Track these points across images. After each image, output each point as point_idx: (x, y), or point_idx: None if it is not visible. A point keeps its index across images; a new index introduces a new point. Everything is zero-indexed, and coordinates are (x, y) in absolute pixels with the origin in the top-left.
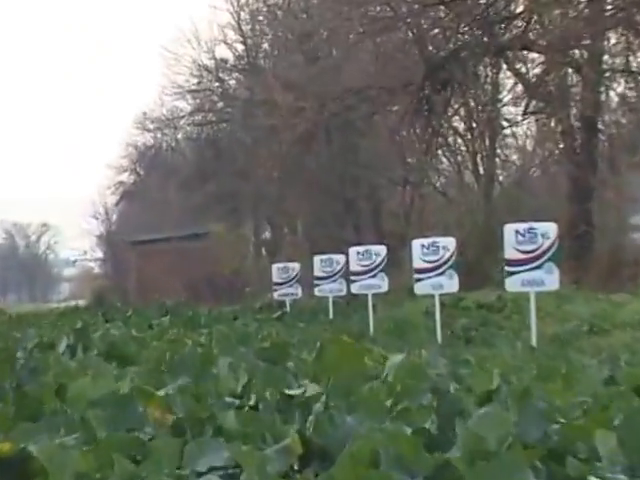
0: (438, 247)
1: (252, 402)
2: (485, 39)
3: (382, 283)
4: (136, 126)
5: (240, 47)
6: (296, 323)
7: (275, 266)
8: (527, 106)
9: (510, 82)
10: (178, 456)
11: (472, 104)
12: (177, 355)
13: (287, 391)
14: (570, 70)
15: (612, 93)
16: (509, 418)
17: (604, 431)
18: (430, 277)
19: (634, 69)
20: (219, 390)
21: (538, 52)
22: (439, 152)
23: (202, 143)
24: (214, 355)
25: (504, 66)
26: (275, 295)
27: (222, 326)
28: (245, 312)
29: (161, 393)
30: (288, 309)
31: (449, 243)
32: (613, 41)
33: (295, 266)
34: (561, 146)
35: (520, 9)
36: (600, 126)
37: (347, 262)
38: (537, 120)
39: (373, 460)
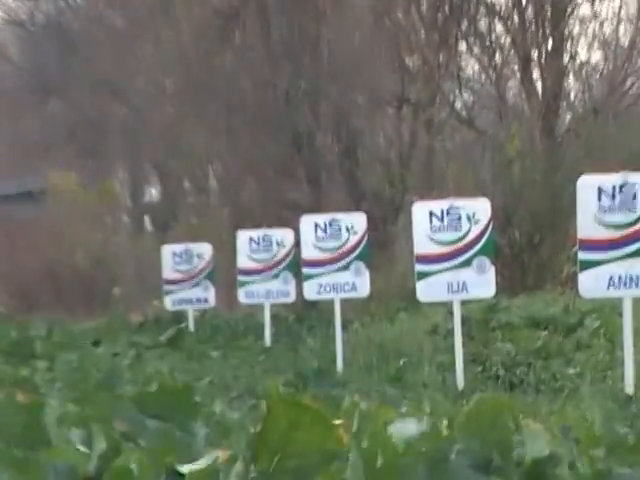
0: (459, 216)
1: None
2: None
3: (359, 280)
4: None
5: None
6: (206, 351)
7: (168, 249)
8: None
9: None
10: None
11: None
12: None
13: (185, 467)
14: None
15: None
16: None
17: None
18: (444, 269)
19: None
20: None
21: None
22: (461, 45)
23: (36, 29)
24: (49, 408)
25: None
26: (168, 301)
27: (72, 356)
28: (114, 331)
29: None
30: (191, 326)
31: (478, 209)
32: None
33: (204, 250)
34: None
35: None
36: None
37: (298, 243)
38: None
39: None
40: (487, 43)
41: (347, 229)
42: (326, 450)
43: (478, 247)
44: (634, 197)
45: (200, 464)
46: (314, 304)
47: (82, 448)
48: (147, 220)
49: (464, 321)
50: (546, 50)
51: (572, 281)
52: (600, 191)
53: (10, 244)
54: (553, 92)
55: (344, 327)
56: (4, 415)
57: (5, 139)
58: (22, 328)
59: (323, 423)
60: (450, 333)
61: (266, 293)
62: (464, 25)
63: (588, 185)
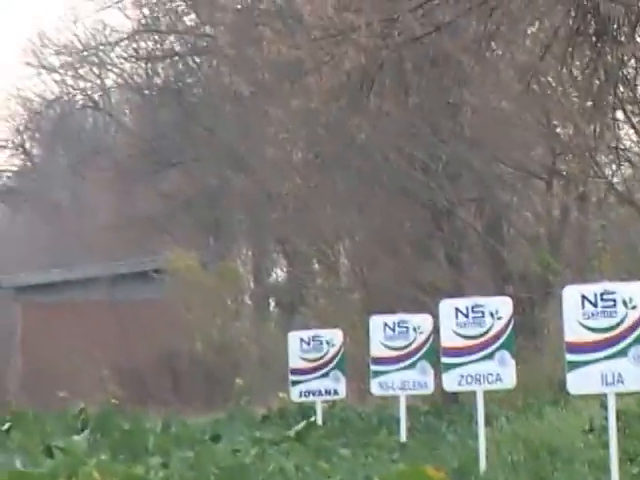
0: (615, 301)
1: None
2: None
3: (504, 370)
4: (26, 62)
5: None
6: (335, 448)
7: (295, 336)
8: None
9: None
10: None
11: None
12: None
13: None
14: None
15: None
16: None
17: None
18: (598, 359)
19: None
20: None
21: None
22: (618, 115)
23: (153, 98)
24: None
25: None
26: (294, 392)
27: (188, 452)
28: (235, 425)
29: None
30: (319, 420)
31: (636, 293)
32: None
33: (334, 336)
34: None
35: None
36: None
37: (436, 330)
38: None
39: None
40: None
41: (491, 314)
42: None
43: (635, 335)
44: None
45: None
46: (454, 396)
47: None
48: (272, 303)
49: (619, 416)
50: None
51: None
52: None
53: (123, 329)
54: None
55: (487, 422)
56: None
57: (118, 214)
58: (135, 421)
59: None
60: (604, 429)
61: (402, 384)
62: (621, 91)
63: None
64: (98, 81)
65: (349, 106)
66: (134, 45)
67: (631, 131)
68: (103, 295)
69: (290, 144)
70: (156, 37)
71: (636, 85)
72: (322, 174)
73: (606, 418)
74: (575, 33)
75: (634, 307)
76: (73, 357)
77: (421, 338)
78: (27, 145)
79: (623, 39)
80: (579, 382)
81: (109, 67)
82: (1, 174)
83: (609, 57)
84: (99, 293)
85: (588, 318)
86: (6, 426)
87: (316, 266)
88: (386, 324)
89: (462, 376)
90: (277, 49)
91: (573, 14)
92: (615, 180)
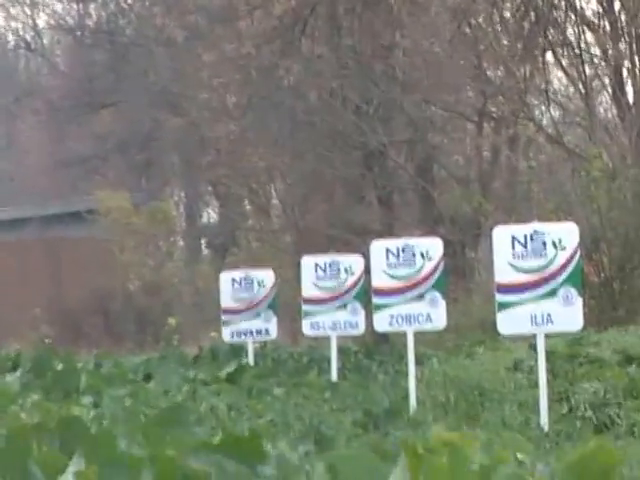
0: (544, 242)
1: None
2: None
3: (434, 311)
4: None
5: None
6: (267, 388)
7: (227, 276)
8: None
9: None
10: None
11: None
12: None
13: None
14: None
15: None
16: None
17: None
18: (528, 300)
19: None
20: None
21: None
22: (548, 57)
23: (85, 39)
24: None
25: None
26: (226, 333)
27: (120, 391)
28: (167, 365)
29: None
30: (251, 360)
31: (565, 234)
32: None
33: (266, 277)
34: None
35: None
36: None
37: (367, 271)
38: None
39: None
40: (576, 54)
41: (422, 255)
42: None
43: (564, 276)
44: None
45: None
46: (385, 337)
47: None
48: (203, 244)
49: (548, 356)
50: None
51: None
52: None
53: (55, 269)
54: None
55: (418, 362)
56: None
57: (51, 155)
58: (67, 361)
59: None
60: (533, 370)
61: (333, 324)
62: (551, 34)
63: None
64: (30, 22)
65: (282, 49)
66: None
67: (560, 74)
68: (35, 235)
69: (223, 88)
70: None
71: (566, 28)
72: (255, 117)
73: (535, 359)
74: None
75: (564, 248)
76: (5, 297)
77: (352, 279)
78: None
79: None
80: (509, 323)
81: (41, 7)
82: None
83: (539, 0)
84: (31, 233)
85: (518, 259)
86: None
87: (248, 208)
88: (317, 265)
89: (392, 317)
90: None
91: None
92: (544, 122)
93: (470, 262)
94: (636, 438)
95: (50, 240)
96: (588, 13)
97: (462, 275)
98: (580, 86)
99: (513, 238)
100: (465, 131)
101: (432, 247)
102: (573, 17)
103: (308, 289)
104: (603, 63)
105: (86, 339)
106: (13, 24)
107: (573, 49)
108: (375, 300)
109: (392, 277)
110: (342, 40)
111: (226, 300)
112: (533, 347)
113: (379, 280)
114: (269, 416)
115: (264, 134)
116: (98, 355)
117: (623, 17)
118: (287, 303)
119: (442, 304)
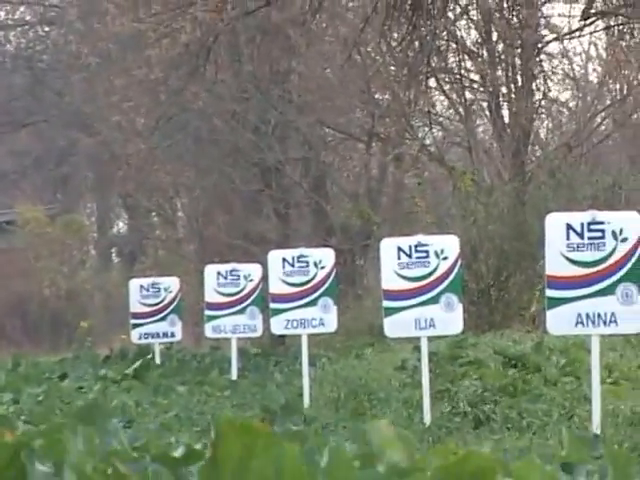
0: (427, 253)
1: None
2: None
3: (326, 316)
4: None
5: None
6: (172, 385)
7: (136, 283)
8: (590, 3)
9: None
10: None
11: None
12: None
13: None
14: None
15: None
16: None
17: None
18: (412, 305)
19: None
20: None
21: None
22: (431, 83)
23: (6, 64)
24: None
25: None
26: (134, 335)
27: (38, 389)
28: (80, 365)
29: None
30: (157, 360)
31: (447, 245)
32: None
33: (171, 284)
34: None
35: None
36: None
37: (266, 278)
38: (607, 29)
39: None
40: (457, 79)
41: (315, 264)
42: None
43: (446, 284)
44: (602, 236)
45: None
46: (281, 339)
47: None
48: (113, 254)
49: (431, 357)
50: (516, 87)
51: (539, 318)
52: (569, 228)
53: None
54: (522, 128)
55: (311, 362)
56: None
57: None
58: None
59: (278, 447)
60: (417, 369)
61: (233, 328)
62: (434, 61)
63: (557, 222)
64: None
65: (187, 75)
66: None
67: (442, 97)
68: None
69: (133, 110)
70: (8, 7)
71: (447, 56)
72: (162, 137)
73: (419, 360)
74: (392, 7)
75: (445, 258)
76: None
77: (251, 285)
78: None
79: (436, 13)
80: (395, 327)
81: None
82: None
83: (423, 30)
84: None
85: (403, 268)
86: None
87: (155, 219)
88: (219, 272)
89: (288, 320)
90: (121, 22)
91: None
92: (427, 141)
93: (359, 270)
94: (510, 432)
95: None
96: (468, 42)
97: (352, 282)
98: (460, 109)
99: (399, 249)
100: (355, 150)
101: (325, 256)
102: (454, 46)
103: (210, 295)
104: (482, 88)
105: (6, 341)
106: None
107: (454, 75)
108: (272, 305)
109: (288, 284)
110: (243, 66)
111: (135, 305)
112: (417, 349)
113: (276, 287)
114: (174, 411)
115: (171, 152)
116: (16, 356)
117: (500, 46)
118: (191, 308)
119: (333, 309)
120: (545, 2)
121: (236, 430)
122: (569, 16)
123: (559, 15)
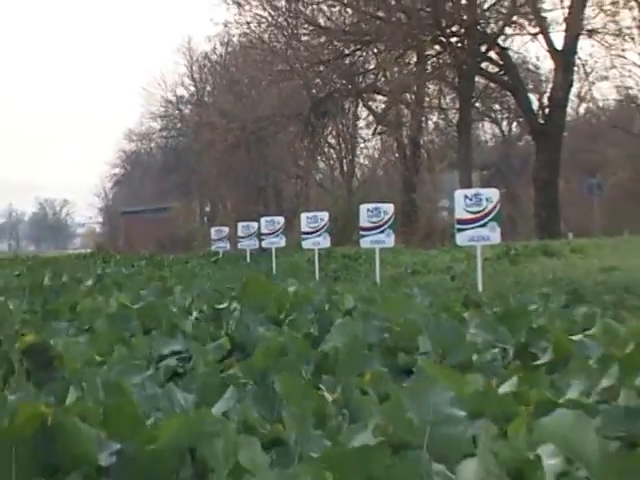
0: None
1: (196, 314)
2: (349, 86)
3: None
4: (124, 138)
5: (192, 88)
6: (225, 265)
7: (213, 229)
8: (375, 129)
9: (365, 113)
10: (149, 345)
11: (340, 127)
12: (152, 283)
13: (217, 306)
14: (403, 107)
15: (430, 122)
16: (358, 326)
17: (423, 335)
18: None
19: (444, 107)
20: (177, 305)
21: (383, 95)
22: (319, 158)
23: (167, 150)
24: (172, 284)
25: (361, 103)
26: (212, 247)
27: (179, 267)
28: (193, 258)
29: (137, 306)
30: (221, 256)
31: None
32: (431, 88)
33: (225, 229)
34: (397, 156)
35: (372, 66)
36: (422, 143)
37: (259, 227)
38: (381, 138)
39: (279, 352)
40: (328, 156)
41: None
42: (269, 298)
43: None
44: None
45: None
46: (265, 250)
47: None
48: (205, 219)
49: (319, 256)
50: (348, 160)
51: (358, 241)
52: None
53: (156, 228)
54: (350, 174)
55: (276, 257)
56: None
57: (153, 190)
58: (161, 257)
59: (267, 286)
60: (314, 260)
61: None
62: (319, 150)
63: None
64: None
65: (230, 154)
66: None
67: None
68: None
69: None
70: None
71: None
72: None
73: (315, 256)
74: None
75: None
76: None
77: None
78: None
79: None
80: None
81: None
82: None
83: None
84: None
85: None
86: (118, 258)
87: None
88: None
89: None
90: None
91: None
92: None
93: None
94: (349, 283)
95: None
96: None
97: None
98: None
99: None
100: None
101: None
102: None
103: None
104: None
105: (167, 251)
106: None
107: None
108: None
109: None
110: None
111: (213, 236)
112: (314, 252)
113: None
114: (224, 274)
115: None
116: (171, 256)
117: None
118: None
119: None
120: None
121: (252, 279)
122: None
123: None
